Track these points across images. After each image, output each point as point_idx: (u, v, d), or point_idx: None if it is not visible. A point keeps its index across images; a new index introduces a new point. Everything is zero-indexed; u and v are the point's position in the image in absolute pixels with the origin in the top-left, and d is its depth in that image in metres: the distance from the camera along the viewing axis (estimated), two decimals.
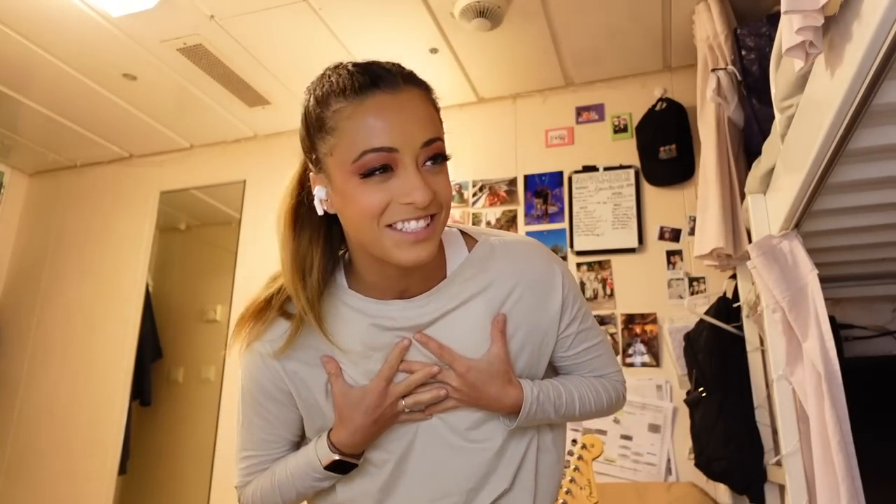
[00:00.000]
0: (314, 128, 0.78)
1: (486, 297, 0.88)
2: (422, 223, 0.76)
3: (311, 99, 0.79)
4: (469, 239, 0.92)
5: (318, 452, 0.87)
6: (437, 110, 0.81)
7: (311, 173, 0.82)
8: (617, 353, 2.58)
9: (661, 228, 2.68)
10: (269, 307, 0.87)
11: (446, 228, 0.92)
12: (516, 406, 0.87)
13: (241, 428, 0.94)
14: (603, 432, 2.46)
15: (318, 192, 0.80)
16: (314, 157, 0.80)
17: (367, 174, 0.74)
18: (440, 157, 0.77)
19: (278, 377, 0.88)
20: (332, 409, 0.88)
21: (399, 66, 0.79)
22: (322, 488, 0.91)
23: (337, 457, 0.86)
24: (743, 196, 1.82)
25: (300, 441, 0.95)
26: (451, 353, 0.86)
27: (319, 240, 0.85)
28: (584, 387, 0.96)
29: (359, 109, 0.74)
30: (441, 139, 0.78)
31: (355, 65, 0.78)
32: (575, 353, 0.96)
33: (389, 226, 0.75)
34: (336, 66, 0.79)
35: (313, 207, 0.82)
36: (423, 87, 0.80)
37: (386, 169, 0.74)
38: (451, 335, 0.87)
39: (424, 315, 0.86)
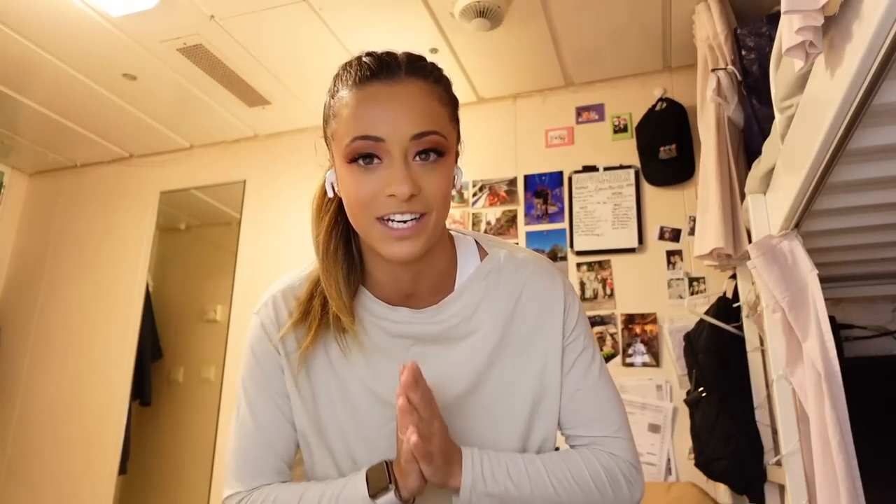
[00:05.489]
0: (326, 114, 0.82)
1: (493, 313, 0.87)
2: (406, 216, 0.74)
3: (330, 87, 0.82)
4: (482, 250, 0.92)
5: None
6: (447, 105, 0.80)
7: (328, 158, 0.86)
8: (617, 353, 2.58)
9: (661, 228, 2.68)
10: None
11: (462, 236, 0.93)
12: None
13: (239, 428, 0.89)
14: None
15: (330, 176, 0.84)
16: (326, 142, 0.84)
17: (353, 160, 0.76)
18: (433, 153, 0.76)
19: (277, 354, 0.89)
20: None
21: (411, 56, 0.79)
22: None
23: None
24: (743, 196, 1.82)
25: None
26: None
27: (339, 221, 0.86)
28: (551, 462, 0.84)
29: (355, 98, 0.76)
30: (438, 133, 0.76)
31: (368, 54, 0.79)
32: (569, 391, 0.88)
33: (379, 219, 0.75)
34: (354, 58, 0.81)
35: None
36: (431, 80, 0.79)
37: (371, 158, 0.75)
38: (452, 353, 0.86)
39: (430, 327, 0.86)
